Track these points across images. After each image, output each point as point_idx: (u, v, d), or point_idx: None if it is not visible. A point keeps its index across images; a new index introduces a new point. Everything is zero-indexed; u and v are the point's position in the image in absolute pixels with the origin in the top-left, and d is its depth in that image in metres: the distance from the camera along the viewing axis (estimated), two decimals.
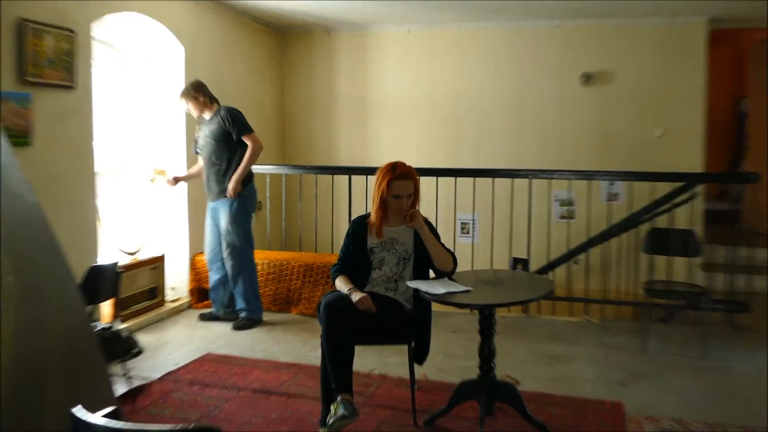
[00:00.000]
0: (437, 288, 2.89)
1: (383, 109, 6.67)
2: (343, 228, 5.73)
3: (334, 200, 5.70)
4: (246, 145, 4.52)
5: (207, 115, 4.55)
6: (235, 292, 4.63)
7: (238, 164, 4.48)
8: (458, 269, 3.15)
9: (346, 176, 5.51)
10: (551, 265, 5.45)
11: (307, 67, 6.85)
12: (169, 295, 5.13)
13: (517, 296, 3.00)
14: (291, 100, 6.96)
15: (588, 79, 6.05)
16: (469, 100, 6.40)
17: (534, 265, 5.43)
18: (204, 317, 4.78)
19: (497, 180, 5.20)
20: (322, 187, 5.83)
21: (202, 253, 5.14)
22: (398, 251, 3.13)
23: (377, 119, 6.69)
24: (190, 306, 5.14)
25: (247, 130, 4.51)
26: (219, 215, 4.56)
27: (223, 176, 4.50)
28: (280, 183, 5.86)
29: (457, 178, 5.24)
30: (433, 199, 5.23)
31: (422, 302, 3.05)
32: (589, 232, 5.20)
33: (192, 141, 4.82)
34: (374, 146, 6.67)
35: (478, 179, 5.23)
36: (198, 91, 4.51)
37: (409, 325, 3.08)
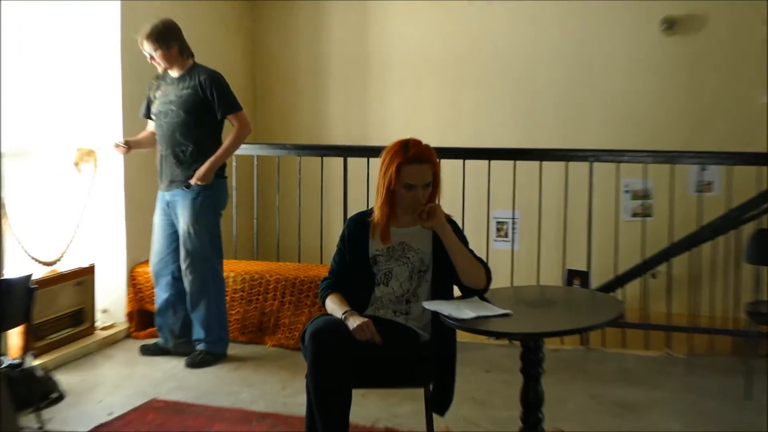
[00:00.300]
0: (464, 311, 2.89)
1: (390, 70, 6.65)
2: (336, 229, 5.71)
3: (323, 191, 5.70)
4: (222, 124, 4.58)
5: (175, 73, 4.55)
6: (194, 316, 4.65)
7: (212, 148, 4.50)
8: (492, 285, 3.15)
9: (341, 158, 5.50)
10: (620, 280, 5.43)
11: (288, 15, 6.85)
12: (101, 320, 5.15)
13: (573, 322, 3.00)
14: (266, 58, 6.95)
15: (671, 25, 6.03)
16: (508, 56, 6.38)
17: (596, 280, 5.41)
18: (147, 350, 4.80)
19: (547, 164, 5.18)
20: (307, 173, 5.83)
21: (145, 262, 5.15)
22: (411, 261, 3.13)
23: (382, 83, 6.68)
24: (128, 335, 5.15)
25: (237, 107, 4.55)
26: (176, 211, 4.57)
27: (188, 161, 4.51)
28: (250, 168, 5.86)
29: (492, 162, 5.23)
30: (459, 190, 5.22)
31: (444, 330, 3.05)
32: (672, 234, 5.19)
33: (138, 103, 4.82)
34: (378, 119, 6.67)
35: (520, 163, 5.22)
36: (172, 39, 4.49)
37: (426, 362, 3.08)
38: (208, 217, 4.57)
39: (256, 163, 5.79)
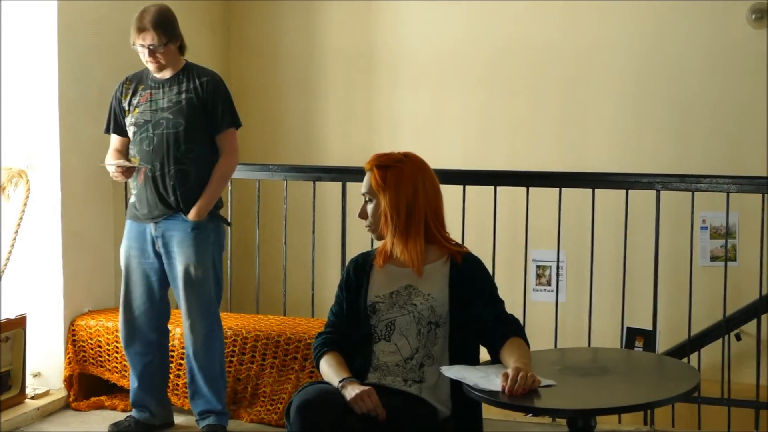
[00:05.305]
0: (494, 380, 2.90)
1: (402, 73, 6.67)
2: (331, 274, 5.72)
3: (316, 225, 5.71)
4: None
5: (166, 73, 4.60)
6: (199, 383, 4.61)
7: (209, 172, 4.55)
8: (531, 347, 3.16)
9: (338, 183, 5.52)
10: (695, 343, 5.41)
11: (273, 2, 6.89)
12: (32, 385, 5.15)
13: (634, 396, 3.01)
14: (243, 55, 6.98)
15: (762, 15, 6.06)
16: (555, 55, 6.39)
17: (664, 342, 5.40)
18: (122, 431, 4.70)
19: (602, 193, 5.18)
20: (296, 201, 5.85)
21: (88, 313, 5.21)
22: (418, 309, 3.16)
23: (391, 89, 6.70)
24: (67, 405, 5.14)
25: (239, 122, 4.68)
26: (171, 249, 4.55)
27: (193, 183, 4.51)
28: (223, 195, 5.88)
29: (531, 189, 5.24)
30: (488, 225, 5.23)
31: (466, 404, 3.06)
32: (762, 284, 5.18)
33: (78, 112, 4.80)
34: (385, 134, 6.67)
35: (567, 191, 5.22)
36: (178, 29, 4.54)
37: None
38: (215, 255, 4.61)
39: (230, 188, 5.78)
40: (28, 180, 5.03)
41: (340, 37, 6.80)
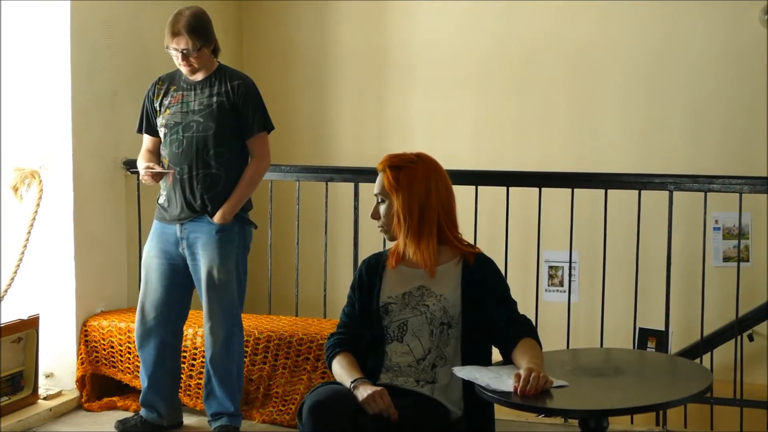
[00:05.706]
0: (506, 380, 2.90)
1: (414, 73, 6.67)
2: (344, 275, 5.73)
3: (328, 226, 5.72)
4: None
5: (198, 76, 4.59)
6: (215, 384, 4.62)
7: (238, 176, 4.53)
8: (543, 347, 3.15)
9: (351, 184, 5.53)
10: (708, 343, 5.40)
11: (285, 5, 6.90)
12: (44, 386, 5.16)
13: (646, 396, 3.00)
14: (256, 56, 7.00)
15: None
16: (567, 55, 6.39)
17: (676, 342, 5.38)
18: (130, 428, 4.72)
19: (614, 193, 5.18)
20: (308, 201, 5.86)
21: (101, 314, 5.23)
22: (430, 310, 3.16)
23: (403, 89, 6.70)
24: (79, 405, 5.15)
25: (270, 126, 4.65)
26: (195, 251, 4.55)
27: (222, 188, 4.50)
28: None
29: (543, 190, 5.24)
30: (500, 225, 5.23)
31: (478, 405, 3.06)
32: None
33: (91, 112, 4.80)
34: (397, 134, 6.68)
35: (579, 191, 5.22)
36: (212, 33, 4.52)
37: None
38: (239, 257, 4.61)
39: None
40: (40, 180, 5.05)
41: (353, 37, 6.81)
